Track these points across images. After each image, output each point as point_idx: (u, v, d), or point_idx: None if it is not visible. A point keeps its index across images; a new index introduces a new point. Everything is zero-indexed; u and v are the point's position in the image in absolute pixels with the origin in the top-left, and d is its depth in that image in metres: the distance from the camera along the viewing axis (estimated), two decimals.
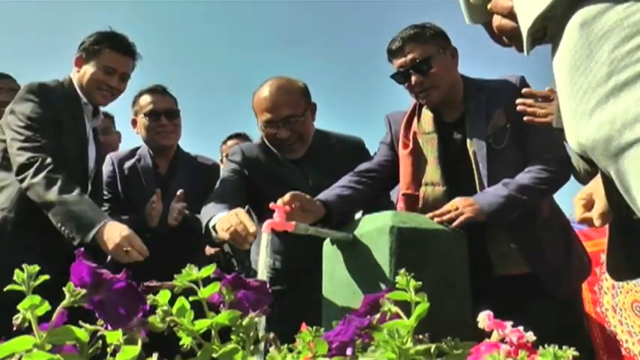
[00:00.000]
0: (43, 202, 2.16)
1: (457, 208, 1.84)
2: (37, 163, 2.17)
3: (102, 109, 2.62)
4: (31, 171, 2.17)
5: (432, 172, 2.06)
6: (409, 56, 2.08)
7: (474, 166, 2.00)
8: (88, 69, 2.41)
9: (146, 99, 2.72)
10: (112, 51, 2.43)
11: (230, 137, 3.76)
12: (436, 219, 1.79)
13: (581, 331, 2.22)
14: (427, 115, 2.16)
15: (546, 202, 2.07)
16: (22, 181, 2.18)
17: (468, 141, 2.04)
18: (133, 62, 2.52)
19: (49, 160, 2.19)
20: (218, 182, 2.28)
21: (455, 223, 1.76)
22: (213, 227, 1.85)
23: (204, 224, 1.95)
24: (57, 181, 2.15)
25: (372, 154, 2.32)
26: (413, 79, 2.08)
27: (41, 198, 2.15)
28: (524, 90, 1.83)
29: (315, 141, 2.29)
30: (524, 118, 1.81)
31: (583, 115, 0.67)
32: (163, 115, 2.69)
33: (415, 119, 2.17)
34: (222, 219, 1.80)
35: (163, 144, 2.72)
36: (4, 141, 2.28)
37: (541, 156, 1.96)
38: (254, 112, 2.24)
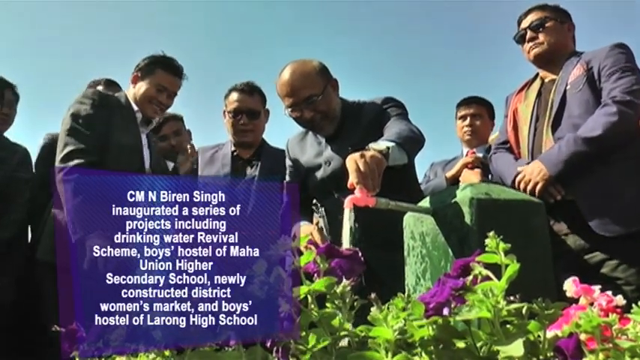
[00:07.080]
0: None
1: (529, 180, 2.18)
2: (75, 161, 2.45)
3: (170, 111, 3.08)
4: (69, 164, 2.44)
5: (524, 126, 2.40)
6: (530, 19, 2.49)
7: (548, 109, 2.32)
8: (142, 86, 2.77)
9: (233, 97, 2.92)
10: (164, 72, 2.79)
11: None
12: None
13: None
14: (534, 85, 2.49)
15: None
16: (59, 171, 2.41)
17: (552, 90, 2.34)
18: (180, 82, 2.86)
19: (86, 160, 2.46)
20: None
21: (537, 195, 2.10)
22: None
23: None
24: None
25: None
26: (528, 34, 2.47)
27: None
28: None
29: (345, 114, 2.34)
30: None
31: None
32: (245, 115, 2.88)
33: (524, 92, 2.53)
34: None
35: (242, 140, 2.91)
36: None
37: (606, 100, 2.16)
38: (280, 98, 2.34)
